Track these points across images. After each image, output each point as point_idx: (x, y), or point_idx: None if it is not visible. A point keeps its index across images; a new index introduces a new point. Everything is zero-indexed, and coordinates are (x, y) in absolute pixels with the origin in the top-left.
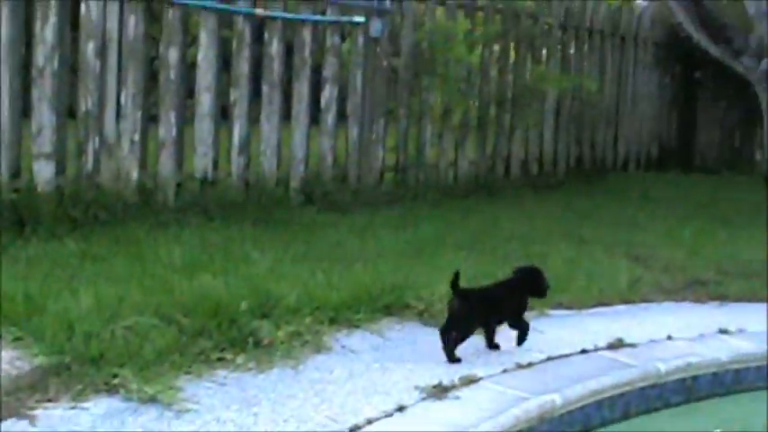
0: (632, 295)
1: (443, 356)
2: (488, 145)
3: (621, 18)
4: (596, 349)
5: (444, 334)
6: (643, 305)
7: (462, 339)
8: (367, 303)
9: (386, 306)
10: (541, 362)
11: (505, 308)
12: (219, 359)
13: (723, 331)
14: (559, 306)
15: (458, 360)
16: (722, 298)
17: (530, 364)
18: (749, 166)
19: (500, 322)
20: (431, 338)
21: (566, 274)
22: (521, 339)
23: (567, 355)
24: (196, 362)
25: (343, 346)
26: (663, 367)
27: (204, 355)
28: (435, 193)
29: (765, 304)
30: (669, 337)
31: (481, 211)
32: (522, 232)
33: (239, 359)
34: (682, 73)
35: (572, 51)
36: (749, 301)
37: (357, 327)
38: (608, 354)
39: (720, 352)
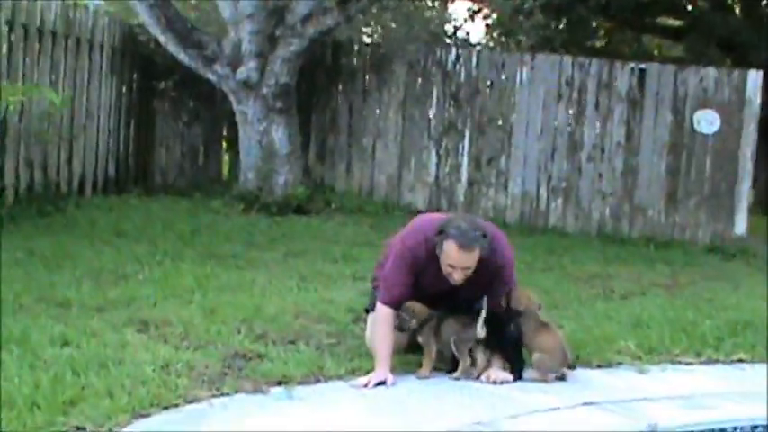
0: (170, 395)
1: None
2: None
3: (77, 17)
4: None
5: None
6: (190, 408)
7: None
8: None
9: None
10: None
11: None
12: None
13: None
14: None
15: None
16: (286, 381)
17: None
18: (219, 188)
19: None
20: None
21: (63, 366)
22: None
23: None
24: None
25: None
26: None
27: None
28: None
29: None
30: None
31: None
32: None
33: None
34: (141, 81)
35: (21, 55)
36: (317, 381)
37: None
38: None
39: None
